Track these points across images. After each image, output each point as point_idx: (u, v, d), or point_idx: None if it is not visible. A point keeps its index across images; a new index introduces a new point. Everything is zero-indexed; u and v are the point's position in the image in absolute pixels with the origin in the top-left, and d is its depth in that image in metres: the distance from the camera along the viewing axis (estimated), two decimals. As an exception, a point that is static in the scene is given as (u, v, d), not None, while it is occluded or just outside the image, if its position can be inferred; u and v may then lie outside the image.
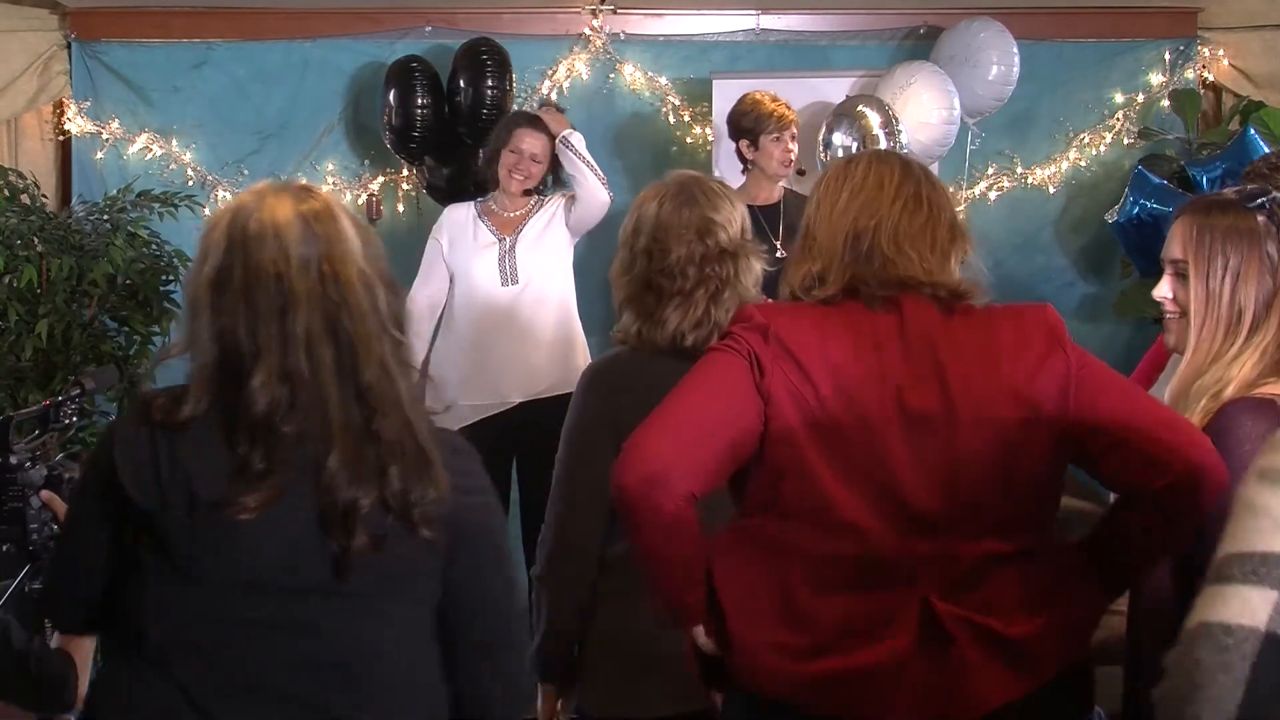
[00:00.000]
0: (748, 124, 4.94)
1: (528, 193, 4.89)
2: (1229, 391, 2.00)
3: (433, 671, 1.87)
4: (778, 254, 4.54)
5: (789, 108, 4.94)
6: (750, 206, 4.82)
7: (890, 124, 5.26)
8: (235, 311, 1.75)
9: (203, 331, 1.77)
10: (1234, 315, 2.05)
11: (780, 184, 5.00)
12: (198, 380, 1.77)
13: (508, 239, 4.79)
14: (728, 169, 5.41)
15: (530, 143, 4.80)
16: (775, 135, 4.87)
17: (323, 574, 1.76)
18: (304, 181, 1.88)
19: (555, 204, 4.90)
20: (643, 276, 2.58)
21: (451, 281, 4.84)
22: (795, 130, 4.91)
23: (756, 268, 2.62)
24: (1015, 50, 5.49)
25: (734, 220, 2.63)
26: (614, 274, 2.65)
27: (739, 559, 2.04)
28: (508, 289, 4.75)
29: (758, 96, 4.96)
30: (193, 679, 1.76)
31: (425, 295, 4.86)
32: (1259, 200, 2.08)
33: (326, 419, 1.73)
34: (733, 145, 5.09)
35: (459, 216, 4.90)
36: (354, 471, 1.73)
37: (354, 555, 1.74)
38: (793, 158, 4.90)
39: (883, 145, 5.16)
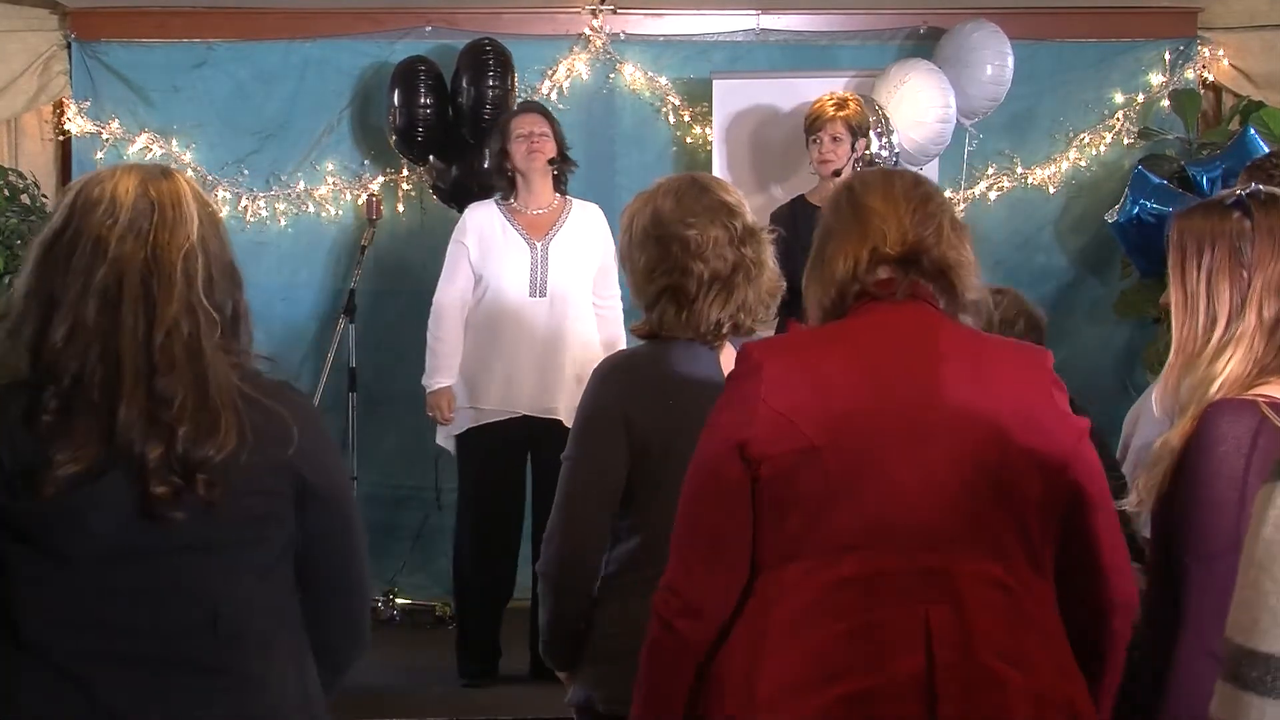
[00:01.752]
0: (803, 128, 4.96)
1: (556, 189, 4.82)
2: (1213, 390, 2.01)
3: (295, 618, 1.94)
4: None
5: (840, 105, 4.86)
6: (820, 208, 4.83)
7: (882, 124, 5.26)
8: (53, 268, 1.84)
9: (21, 288, 1.86)
10: (1211, 316, 2.05)
11: None
12: (13, 338, 1.84)
13: (539, 245, 4.72)
14: (728, 169, 5.43)
15: (531, 122, 4.77)
16: (813, 136, 4.85)
17: (166, 535, 1.82)
18: (172, 168, 1.95)
19: (594, 223, 4.81)
20: (680, 264, 2.54)
21: (477, 283, 4.79)
22: (839, 130, 4.83)
23: (770, 247, 2.62)
24: (1009, 51, 5.48)
25: (744, 203, 2.63)
26: (640, 270, 2.59)
27: (757, 618, 2.04)
28: (535, 300, 4.71)
29: (820, 98, 4.93)
30: (70, 658, 1.81)
31: (453, 294, 4.78)
32: (1235, 198, 2.10)
33: (119, 371, 1.81)
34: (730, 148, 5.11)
35: (483, 218, 4.79)
36: (144, 425, 1.80)
37: (157, 504, 1.80)
38: (830, 158, 4.81)
39: (874, 145, 5.17)
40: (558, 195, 4.82)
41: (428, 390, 4.81)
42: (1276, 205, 2.05)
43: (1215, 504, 1.91)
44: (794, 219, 4.58)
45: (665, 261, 2.55)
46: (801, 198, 4.91)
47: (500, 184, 4.83)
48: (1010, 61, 5.48)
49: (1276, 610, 1.47)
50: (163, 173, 1.92)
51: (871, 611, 1.96)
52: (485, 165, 4.95)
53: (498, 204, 4.82)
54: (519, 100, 5.49)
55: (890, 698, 1.93)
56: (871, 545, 1.97)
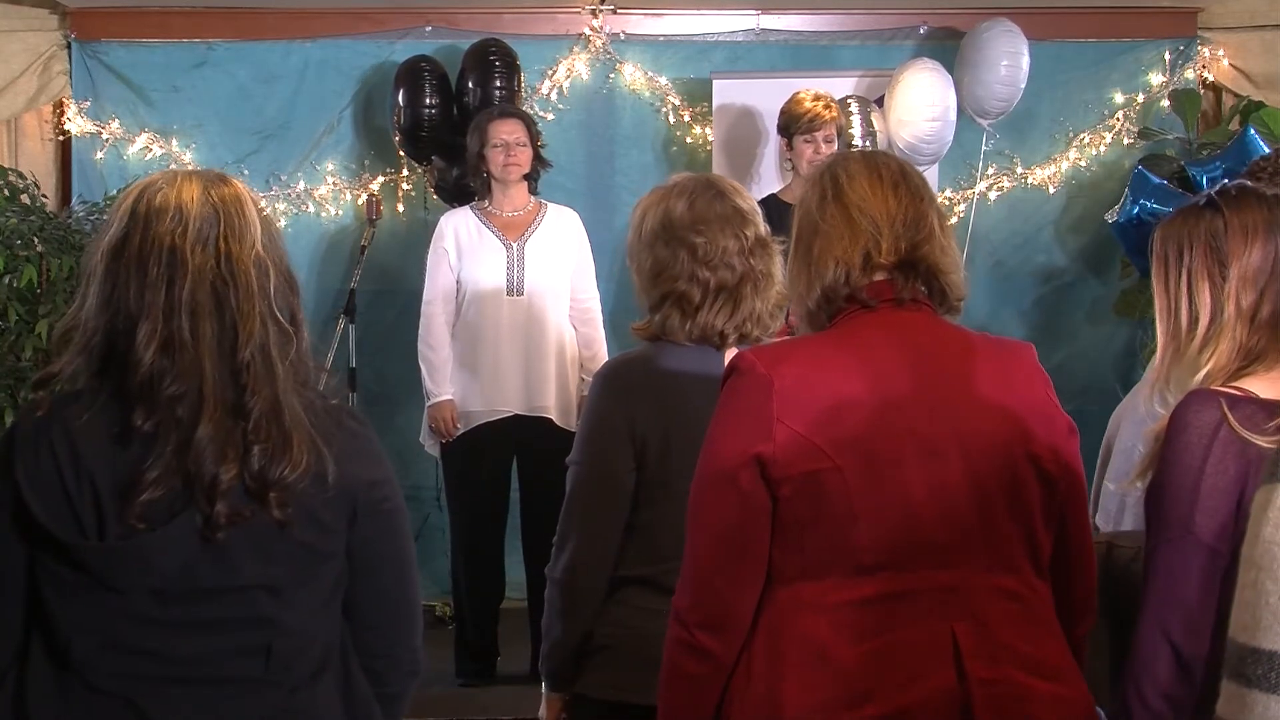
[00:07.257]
0: (783, 123, 4.94)
1: (529, 190, 4.89)
2: (1197, 379, 2.04)
3: (342, 653, 1.95)
4: None
5: (829, 107, 4.89)
6: (794, 206, 4.82)
7: (869, 125, 5.26)
8: (127, 278, 1.81)
9: (92, 299, 1.83)
10: (1194, 314, 2.07)
11: None
12: (82, 348, 1.82)
13: (514, 245, 4.77)
14: (728, 169, 5.42)
15: (509, 130, 4.81)
16: (806, 136, 4.84)
17: (227, 575, 1.82)
18: (221, 171, 1.95)
19: (570, 225, 4.87)
20: (687, 272, 2.52)
21: (458, 288, 4.82)
22: (831, 132, 4.85)
23: (780, 259, 2.61)
24: (1025, 51, 5.45)
25: (758, 211, 2.63)
26: (646, 273, 2.57)
27: (774, 634, 2.01)
28: (512, 299, 4.74)
29: (799, 95, 4.94)
30: (119, 681, 1.81)
31: (438, 302, 4.84)
32: (1207, 197, 2.12)
33: (200, 389, 1.79)
34: (730, 148, 5.10)
35: (459, 222, 4.87)
36: (219, 445, 1.79)
37: (220, 525, 1.79)
38: (821, 158, 4.80)
39: (856, 145, 5.16)
40: (533, 198, 4.89)
41: (429, 403, 4.84)
42: (1246, 198, 2.08)
43: (1172, 491, 1.95)
44: (768, 220, 4.58)
45: (672, 267, 2.53)
46: (774, 196, 4.91)
47: (476, 184, 4.90)
48: (1024, 62, 5.45)
49: (1278, 609, 1.49)
50: (220, 178, 1.89)
51: (897, 630, 1.95)
52: (467, 172, 4.97)
53: (473, 209, 4.89)
54: (523, 102, 5.50)
55: (926, 715, 1.93)
56: (892, 564, 1.96)
